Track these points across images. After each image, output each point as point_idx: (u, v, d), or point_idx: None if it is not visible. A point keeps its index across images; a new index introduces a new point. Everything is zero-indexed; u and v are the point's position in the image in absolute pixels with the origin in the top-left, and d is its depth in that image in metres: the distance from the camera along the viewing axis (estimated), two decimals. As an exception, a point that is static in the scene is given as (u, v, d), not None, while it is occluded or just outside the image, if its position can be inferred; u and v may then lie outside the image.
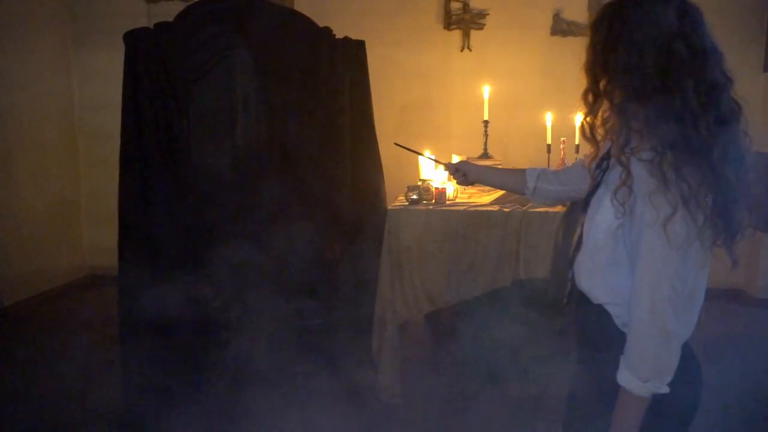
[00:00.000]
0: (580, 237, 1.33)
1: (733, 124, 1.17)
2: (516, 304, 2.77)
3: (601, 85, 1.24)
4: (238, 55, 2.67)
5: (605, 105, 1.24)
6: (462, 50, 4.66)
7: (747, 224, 1.17)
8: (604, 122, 1.26)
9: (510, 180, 1.81)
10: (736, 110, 1.18)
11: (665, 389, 1.18)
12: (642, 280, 1.16)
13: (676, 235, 1.11)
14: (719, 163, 1.12)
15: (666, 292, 1.14)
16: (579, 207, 1.39)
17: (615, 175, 1.23)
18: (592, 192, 1.33)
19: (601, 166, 1.33)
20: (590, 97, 1.26)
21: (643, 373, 1.17)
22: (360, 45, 2.98)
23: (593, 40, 1.25)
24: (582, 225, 1.33)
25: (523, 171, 1.74)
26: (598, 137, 1.30)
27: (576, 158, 3.25)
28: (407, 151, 2.12)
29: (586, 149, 1.37)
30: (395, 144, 2.12)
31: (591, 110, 1.27)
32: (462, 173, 1.85)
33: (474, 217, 2.81)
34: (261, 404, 2.68)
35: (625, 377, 1.19)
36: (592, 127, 1.29)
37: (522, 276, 2.75)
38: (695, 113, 1.13)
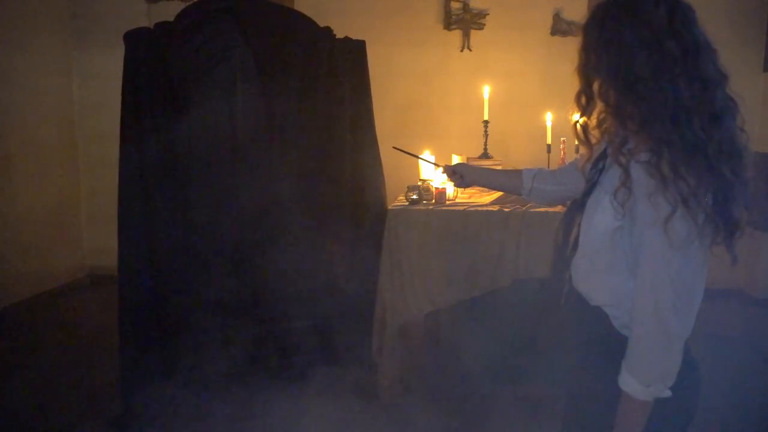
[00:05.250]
0: (577, 238, 1.33)
1: (728, 120, 1.15)
2: (516, 304, 2.77)
3: (594, 86, 1.23)
4: (238, 55, 2.67)
5: (600, 107, 1.24)
6: (462, 50, 4.66)
7: (746, 222, 1.16)
8: (600, 124, 1.26)
9: (507, 181, 1.80)
10: (732, 107, 1.16)
11: (668, 393, 1.17)
12: (644, 282, 1.15)
13: (676, 235, 1.10)
14: (715, 160, 1.11)
15: (668, 293, 1.13)
16: (576, 207, 1.38)
17: (612, 175, 1.22)
18: (587, 193, 1.32)
19: (597, 166, 1.32)
20: (583, 99, 1.26)
21: (645, 378, 1.16)
22: (360, 45, 2.98)
23: (585, 41, 1.24)
24: (579, 226, 1.32)
25: (519, 172, 1.72)
26: (593, 140, 1.29)
27: (576, 158, 3.24)
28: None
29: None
30: (394, 148, 2.11)
31: (584, 112, 1.27)
32: (459, 175, 1.85)
33: (474, 217, 2.80)
34: (260, 405, 2.68)
35: (627, 382, 1.18)
36: (585, 129, 1.29)
37: (522, 276, 2.75)
38: (689, 110, 1.12)
